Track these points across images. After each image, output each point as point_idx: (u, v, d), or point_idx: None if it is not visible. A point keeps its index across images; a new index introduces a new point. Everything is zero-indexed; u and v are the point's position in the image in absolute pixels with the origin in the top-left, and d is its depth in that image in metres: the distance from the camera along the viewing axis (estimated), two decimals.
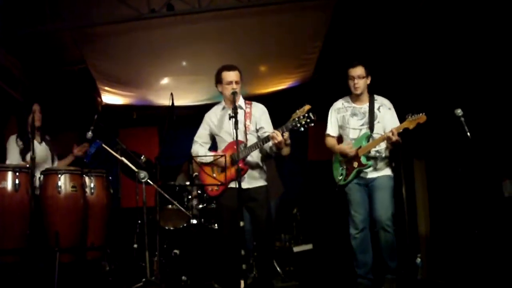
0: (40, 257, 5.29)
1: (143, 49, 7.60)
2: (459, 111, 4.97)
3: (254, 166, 5.14)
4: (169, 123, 6.02)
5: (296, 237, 7.89)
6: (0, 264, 5.17)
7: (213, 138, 5.38)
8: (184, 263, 6.30)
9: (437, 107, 5.63)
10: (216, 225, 6.51)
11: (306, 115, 4.69)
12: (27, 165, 5.48)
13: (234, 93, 4.99)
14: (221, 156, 5.04)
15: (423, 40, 6.96)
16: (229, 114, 4.77)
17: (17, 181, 5.29)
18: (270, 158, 6.07)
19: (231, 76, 5.14)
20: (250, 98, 5.44)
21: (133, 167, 5.72)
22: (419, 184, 7.75)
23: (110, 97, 8.79)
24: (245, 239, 5.49)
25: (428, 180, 7.66)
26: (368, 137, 5.41)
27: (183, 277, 6.14)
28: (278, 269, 6.88)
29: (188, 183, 6.65)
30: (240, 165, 4.84)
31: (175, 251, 6.44)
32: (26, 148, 5.88)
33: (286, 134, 4.82)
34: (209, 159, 5.17)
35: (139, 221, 6.47)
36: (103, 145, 5.79)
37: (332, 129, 5.69)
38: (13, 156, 5.88)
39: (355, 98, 5.57)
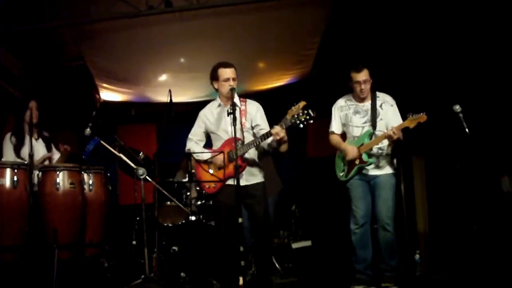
0: (38, 254, 5.28)
1: (141, 46, 7.59)
2: (457, 108, 4.97)
3: (251, 163, 5.13)
4: (168, 119, 6.02)
5: (294, 234, 7.90)
6: None
7: (207, 136, 5.36)
8: (182, 260, 6.30)
9: (435, 103, 5.63)
10: (214, 222, 6.50)
11: (306, 111, 4.68)
12: (25, 162, 5.47)
13: (232, 90, 4.98)
14: (219, 153, 5.03)
15: (422, 36, 6.96)
16: (228, 111, 4.76)
17: (15, 178, 5.28)
18: (267, 154, 6.08)
19: (228, 73, 5.13)
20: (248, 95, 5.44)
21: (132, 164, 5.71)
22: (417, 181, 7.75)
23: (109, 94, 8.78)
24: (243, 236, 5.49)
25: (427, 176, 7.66)
26: (371, 135, 5.41)
27: (182, 274, 6.14)
28: (277, 265, 6.88)
29: (186, 180, 6.64)
30: (238, 162, 4.85)
31: (174, 247, 6.43)
32: (19, 145, 5.89)
33: (283, 131, 4.82)
34: (205, 157, 5.15)
35: (138, 218, 6.46)
36: (101, 141, 5.78)
37: (336, 127, 5.69)
38: (8, 153, 5.87)
39: (357, 95, 5.56)
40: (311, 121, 4.69)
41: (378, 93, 5.57)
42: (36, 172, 5.55)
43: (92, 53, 7.74)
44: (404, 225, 7.63)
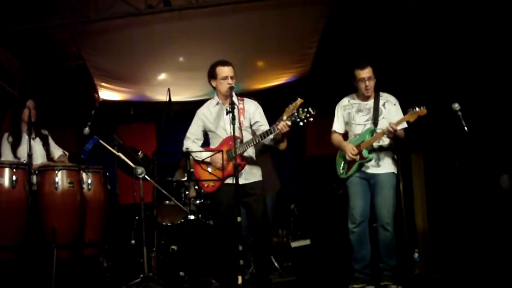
0: (37, 254, 5.28)
1: (141, 45, 7.59)
2: (456, 106, 4.97)
3: (250, 162, 5.13)
4: (167, 118, 6.01)
5: (293, 233, 7.90)
6: None
7: (205, 135, 5.35)
8: (181, 259, 6.30)
9: (434, 101, 5.62)
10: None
11: (306, 109, 4.68)
12: (24, 161, 5.47)
13: (231, 88, 4.99)
14: (217, 152, 5.02)
15: (421, 35, 6.96)
16: (226, 109, 4.76)
17: (14, 178, 5.28)
18: (265, 152, 6.08)
19: (226, 71, 5.12)
20: (247, 94, 5.43)
21: (131, 163, 5.71)
22: (416, 179, 7.75)
23: (107, 93, 8.79)
24: (242, 235, 5.49)
25: (426, 175, 7.66)
26: (372, 132, 5.41)
27: (181, 273, 6.15)
28: (276, 264, 6.89)
29: (185, 179, 6.64)
30: (237, 160, 4.85)
31: (173, 247, 6.44)
32: (16, 144, 5.89)
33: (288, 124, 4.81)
34: (203, 156, 5.13)
35: (137, 217, 6.46)
36: (100, 141, 5.78)
37: (338, 126, 5.69)
38: (6, 153, 5.87)
39: (361, 95, 5.56)
40: (311, 119, 4.68)
41: (381, 93, 5.57)
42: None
43: (91, 52, 7.73)
44: (403, 223, 7.63)
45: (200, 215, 6.66)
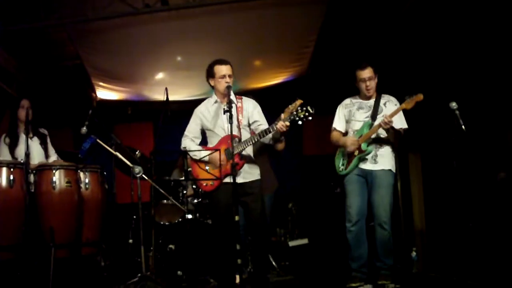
0: (35, 253, 5.28)
1: (138, 44, 7.58)
2: (453, 104, 4.98)
3: (248, 161, 5.13)
4: (164, 118, 6.01)
5: (291, 232, 7.91)
6: None
7: (203, 133, 5.35)
8: (179, 258, 6.30)
9: (431, 100, 5.63)
10: (211, 220, 6.50)
11: (305, 108, 4.68)
12: (21, 161, 5.46)
13: (229, 87, 4.98)
14: (215, 151, 5.03)
15: (417, 34, 6.96)
16: (224, 109, 4.76)
17: (11, 177, 5.28)
18: (263, 152, 6.08)
19: (224, 70, 5.12)
20: (244, 93, 5.43)
21: (128, 162, 5.71)
22: (414, 178, 7.77)
23: (105, 92, 8.78)
24: (240, 234, 5.49)
25: (423, 173, 7.67)
26: (370, 126, 5.42)
27: (179, 272, 6.15)
28: (273, 263, 6.89)
29: (183, 178, 6.64)
30: (236, 159, 4.85)
31: (170, 246, 6.45)
32: (14, 143, 5.88)
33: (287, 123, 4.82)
34: (201, 155, 5.13)
35: (134, 216, 6.46)
36: (98, 140, 5.78)
37: (338, 124, 5.70)
38: (4, 153, 5.87)
39: (364, 95, 5.58)
40: (310, 118, 4.69)
41: (383, 95, 5.58)
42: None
43: (88, 51, 7.72)
44: (401, 222, 7.65)
45: (197, 214, 6.66)
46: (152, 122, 9.37)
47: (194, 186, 6.82)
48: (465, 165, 5.44)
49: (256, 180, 5.15)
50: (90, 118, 5.82)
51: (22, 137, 5.77)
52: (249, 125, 5.20)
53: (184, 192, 6.78)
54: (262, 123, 5.13)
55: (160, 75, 8.45)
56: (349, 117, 5.61)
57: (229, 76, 5.11)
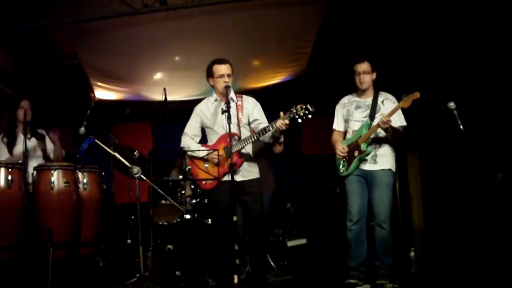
0: (33, 254, 5.28)
1: (136, 44, 7.58)
2: (452, 104, 4.98)
3: (248, 159, 5.14)
4: (162, 118, 6.01)
5: (290, 232, 7.90)
6: None
7: (203, 131, 5.36)
8: (178, 258, 6.30)
9: (430, 100, 5.64)
10: (209, 220, 6.50)
11: (304, 106, 4.69)
12: (20, 161, 5.46)
13: (227, 87, 4.99)
14: (214, 151, 5.03)
15: (417, 34, 6.96)
16: (222, 109, 4.77)
17: (9, 178, 5.28)
18: (262, 154, 6.08)
19: (222, 69, 5.13)
20: (243, 93, 5.43)
21: (126, 163, 5.71)
22: (412, 178, 7.77)
23: (103, 92, 8.78)
24: (238, 234, 5.49)
25: (422, 173, 7.67)
26: (369, 126, 5.42)
27: (177, 272, 6.14)
28: (272, 263, 6.89)
29: (181, 178, 6.64)
30: (235, 157, 4.87)
31: (169, 246, 6.44)
32: (11, 143, 5.88)
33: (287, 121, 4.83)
34: (201, 154, 5.14)
35: (133, 217, 6.46)
36: (96, 140, 5.77)
37: (338, 124, 5.71)
38: (2, 153, 5.86)
39: (360, 93, 5.58)
40: (310, 116, 4.70)
41: (381, 92, 5.59)
42: (30, 171, 5.53)
43: (86, 51, 7.72)
44: (399, 222, 7.65)
45: (196, 215, 6.66)
46: (151, 122, 9.38)
47: (192, 186, 6.81)
48: (464, 165, 5.44)
49: (255, 178, 5.15)
50: (89, 118, 5.81)
51: (20, 137, 5.77)
52: (249, 123, 5.21)
53: (183, 192, 6.78)
54: (262, 122, 5.14)
55: (158, 75, 8.44)
56: (348, 117, 5.62)
57: (228, 75, 5.11)
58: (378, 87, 5.63)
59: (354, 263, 5.42)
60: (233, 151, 4.86)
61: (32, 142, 6.04)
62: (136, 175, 5.54)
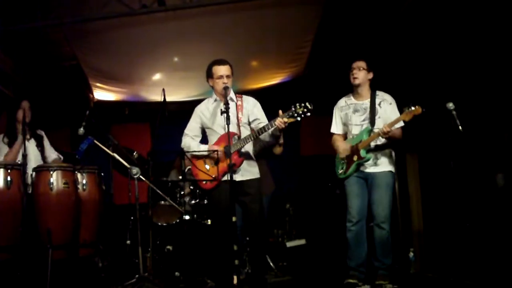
0: (32, 254, 5.27)
1: (135, 45, 7.57)
2: (451, 105, 4.98)
3: (248, 159, 5.14)
4: (161, 119, 6.00)
5: (289, 232, 7.90)
6: None
7: (203, 132, 5.36)
8: (177, 259, 6.29)
9: (429, 101, 5.64)
10: (209, 220, 6.50)
11: (303, 104, 4.71)
12: (19, 162, 5.45)
13: (226, 88, 5.00)
14: (214, 151, 5.03)
15: (415, 35, 6.96)
16: (221, 110, 4.77)
17: (8, 178, 5.27)
18: (262, 156, 6.09)
19: (222, 70, 5.14)
20: (241, 93, 5.44)
21: (125, 163, 5.70)
22: (411, 178, 7.77)
23: (102, 93, 8.77)
24: (237, 234, 5.49)
25: (421, 174, 7.67)
26: (369, 132, 5.42)
27: (176, 273, 6.14)
28: (271, 264, 6.89)
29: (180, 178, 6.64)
30: (234, 157, 4.89)
31: (168, 247, 6.43)
32: (12, 143, 5.87)
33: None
34: (203, 153, 5.15)
35: (132, 217, 6.46)
36: (95, 141, 5.77)
37: (336, 127, 5.72)
38: (1, 154, 5.86)
39: (356, 94, 5.59)
40: (309, 114, 4.71)
41: (378, 92, 5.59)
42: (29, 172, 5.53)
43: (85, 52, 7.71)
44: (398, 222, 7.65)
45: (195, 215, 6.66)
46: (149, 123, 9.37)
47: (191, 187, 6.81)
48: (463, 166, 5.44)
49: (255, 179, 5.16)
50: (87, 119, 5.81)
51: (20, 138, 5.76)
52: (249, 123, 5.22)
53: (182, 192, 6.77)
54: (262, 121, 5.16)
55: (157, 76, 8.44)
56: (346, 121, 5.62)
57: (228, 76, 5.13)
58: (377, 87, 5.63)
59: (353, 263, 5.42)
60: (232, 151, 4.87)
61: (31, 143, 6.04)
62: (135, 176, 5.54)
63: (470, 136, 5.04)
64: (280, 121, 4.76)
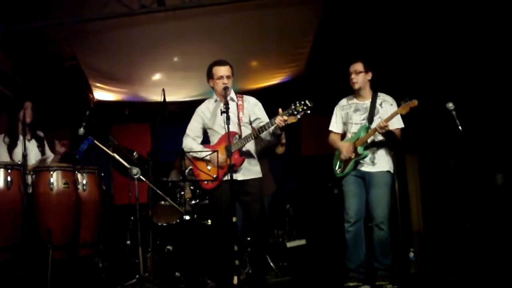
0: (32, 255, 5.27)
1: (135, 45, 7.58)
2: (450, 105, 4.98)
3: (249, 158, 5.14)
4: (161, 119, 6.00)
5: (289, 233, 7.90)
6: None
7: (204, 132, 5.37)
8: (177, 259, 6.29)
9: (428, 101, 5.64)
10: (209, 220, 6.50)
11: (303, 102, 4.71)
12: (19, 162, 5.45)
13: (225, 88, 5.00)
14: (214, 152, 5.04)
15: (415, 35, 6.97)
16: (221, 110, 4.77)
17: (9, 179, 5.27)
18: (263, 157, 6.09)
19: (222, 71, 5.15)
20: (241, 93, 5.44)
21: (126, 163, 5.70)
22: (411, 178, 7.77)
23: (102, 93, 8.77)
24: (237, 235, 5.49)
25: (420, 174, 7.67)
26: (367, 129, 5.42)
27: (177, 273, 6.15)
28: (271, 264, 6.89)
29: (180, 178, 6.64)
30: (235, 156, 4.90)
31: (168, 247, 6.43)
32: (12, 145, 5.88)
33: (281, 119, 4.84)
34: (203, 154, 5.15)
35: (132, 218, 6.46)
36: (95, 141, 5.77)
37: (335, 126, 5.71)
38: (1, 154, 5.86)
39: (358, 94, 5.59)
40: (309, 111, 4.72)
41: (379, 93, 5.59)
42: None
43: (85, 52, 7.72)
44: (398, 223, 7.65)
45: (195, 215, 6.66)
46: (149, 123, 9.36)
47: (192, 187, 6.81)
48: (462, 166, 5.44)
49: (256, 178, 5.17)
50: (88, 119, 5.81)
51: (21, 138, 5.76)
52: (250, 122, 5.23)
53: (182, 193, 6.77)
54: (263, 120, 5.16)
55: (157, 76, 8.44)
56: (347, 120, 5.62)
57: (228, 77, 5.14)
58: (377, 88, 5.63)
59: (353, 264, 5.42)
60: (233, 150, 4.87)
61: (32, 144, 6.05)
62: (135, 176, 5.54)
63: (470, 136, 5.04)
64: (280, 119, 4.76)
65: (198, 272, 6.24)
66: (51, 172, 5.42)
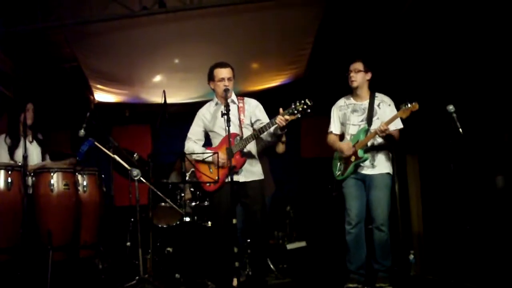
0: (33, 256, 5.27)
1: (135, 46, 7.58)
2: (451, 107, 4.98)
3: (250, 159, 5.14)
4: (162, 120, 6.01)
5: (289, 235, 7.90)
6: None
7: (206, 135, 5.37)
8: (177, 261, 6.29)
9: (429, 103, 5.64)
10: (209, 222, 6.50)
11: (303, 101, 4.72)
12: (19, 163, 5.46)
13: (226, 90, 5.00)
14: (214, 153, 5.04)
15: (415, 36, 6.97)
16: (221, 112, 4.78)
17: (9, 180, 5.27)
18: (264, 156, 6.08)
19: (223, 73, 5.15)
20: (242, 96, 5.44)
21: (126, 165, 5.70)
22: (411, 180, 7.76)
23: (103, 95, 8.77)
24: (237, 236, 5.50)
25: (421, 176, 7.67)
26: (366, 131, 5.42)
27: (177, 275, 6.13)
28: (271, 266, 6.89)
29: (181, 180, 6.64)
30: (236, 157, 4.90)
31: (168, 249, 6.43)
32: (14, 146, 5.88)
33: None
34: (205, 156, 5.15)
35: (132, 219, 6.46)
36: (96, 143, 5.77)
37: (334, 127, 5.71)
38: (2, 155, 5.86)
39: (356, 95, 5.59)
40: (309, 110, 4.73)
41: (377, 94, 5.58)
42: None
43: (86, 54, 7.72)
44: (398, 225, 7.65)
45: (195, 217, 6.65)
46: (150, 125, 9.36)
47: (192, 189, 6.81)
48: (463, 168, 5.44)
49: (258, 180, 5.16)
50: (88, 120, 5.81)
51: (22, 139, 5.76)
52: (251, 124, 5.23)
53: (182, 195, 6.77)
54: (264, 122, 5.15)
55: (157, 78, 8.44)
56: (344, 120, 5.62)
57: (229, 79, 5.14)
58: (377, 89, 5.63)
59: (353, 266, 5.42)
60: (234, 151, 4.88)
61: (34, 145, 6.05)
62: (136, 178, 5.53)
63: (470, 138, 5.05)
64: (281, 118, 4.77)
65: (198, 274, 6.23)
66: (52, 174, 5.44)
